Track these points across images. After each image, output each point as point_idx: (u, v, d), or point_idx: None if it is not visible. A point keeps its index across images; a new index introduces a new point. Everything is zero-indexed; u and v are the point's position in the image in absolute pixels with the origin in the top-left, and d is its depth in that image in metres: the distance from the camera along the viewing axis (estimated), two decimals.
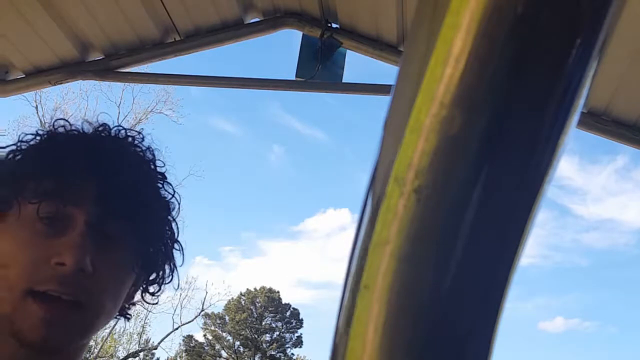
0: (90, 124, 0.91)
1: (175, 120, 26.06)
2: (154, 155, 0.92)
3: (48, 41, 3.20)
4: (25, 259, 0.79)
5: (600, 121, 3.12)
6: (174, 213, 0.93)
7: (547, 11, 0.31)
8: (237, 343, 35.82)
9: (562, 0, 0.31)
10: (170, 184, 0.93)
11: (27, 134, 0.90)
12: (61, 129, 0.89)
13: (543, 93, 0.32)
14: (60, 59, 3.34)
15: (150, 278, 0.92)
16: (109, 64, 3.41)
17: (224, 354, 35.89)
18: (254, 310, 36.22)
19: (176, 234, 0.94)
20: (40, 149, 0.88)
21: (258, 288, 36.77)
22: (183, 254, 0.95)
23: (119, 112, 24.68)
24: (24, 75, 3.40)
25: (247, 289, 36.71)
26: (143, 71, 4.04)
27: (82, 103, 30.36)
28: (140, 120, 24.08)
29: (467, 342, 0.34)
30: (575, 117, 0.33)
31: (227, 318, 35.89)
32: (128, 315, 0.95)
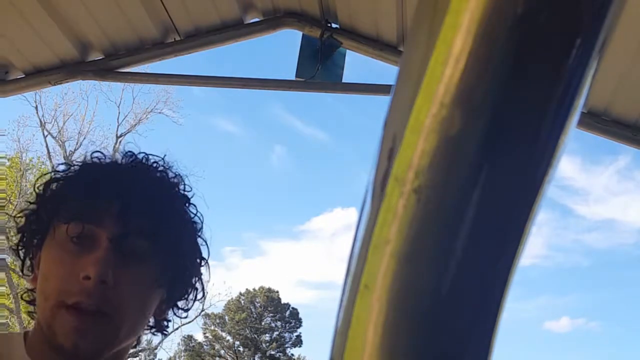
0: (119, 154, 1.01)
1: (175, 120, 26.08)
2: (179, 178, 1.02)
3: (48, 41, 3.20)
4: (58, 274, 0.90)
5: (600, 121, 3.11)
6: (199, 233, 1.02)
7: (547, 11, 0.31)
8: (237, 343, 35.82)
9: (562, 0, 0.31)
10: (195, 206, 1.02)
11: (59, 164, 1.03)
12: (89, 159, 1.00)
13: (543, 93, 0.32)
14: (60, 59, 3.34)
15: (180, 295, 1.01)
16: (109, 64, 3.41)
17: (223, 353, 35.88)
18: (253, 310, 36.22)
19: (203, 253, 1.02)
20: (69, 177, 0.99)
21: (257, 288, 36.77)
22: (209, 272, 1.04)
23: (119, 112, 24.70)
24: (23, 75, 3.39)
25: (247, 289, 36.72)
26: (143, 71, 4.03)
27: (82, 103, 30.42)
28: (140, 120, 24.07)
29: (467, 343, 0.34)
30: (575, 117, 0.33)
31: (226, 318, 35.89)
32: (165, 331, 1.04)
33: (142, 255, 0.92)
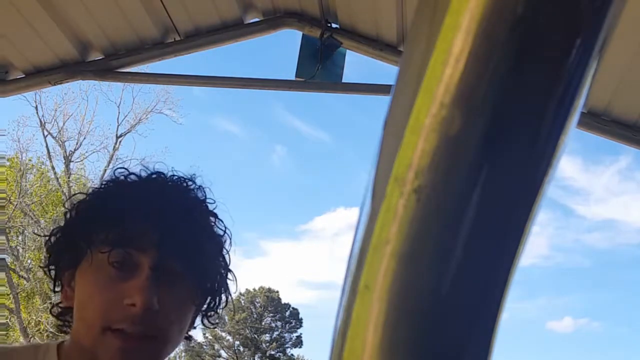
0: (147, 170, 1.03)
1: (175, 120, 26.08)
2: (205, 194, 1.04)
3: (48, 41, 3.20)
4: (100, 300, 0.92)
5: (600, 121, 3.12)
6: (226, 247, 1.05)
7: (547, 11, 0.31)
8: (237, 343, 35.82)
9: (562, 0, 0.31)
10: (222, 220, 1.05)
11: (92, 188, 1.05)
12: (121, 178, 1.02)
13: (543, 93, 0.32)
14: (60, 59, 3.34)
15: (209, 306, 1.05)
16: (109, 64, 3.41)
17: (223, 353, 35.89)
18: (253, 310, 36.22)
19: (229, 265, 1.06)
20: (104, 200, 1.01)
21: (257, 288, 36.78)
22: (236, 283, 1.08)
23: (119, 112, 24.70)
24: (23, 75, 3.39)
25: (247, 289, 36.73)
26: (143, 71, 4.03)
27: (82, 103, 30.42)
28: (140, 120, 24.07)
29: (467, 343, 0.34)
30: (575, 117, 0.33)
31: (226, 318, 35.89)
32: (190, 337, 1.08)
33: (181, 277, 0.95)
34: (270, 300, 36.28)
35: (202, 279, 0.99)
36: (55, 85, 3.45)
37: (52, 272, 1.01)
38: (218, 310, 1.07)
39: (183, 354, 34.50)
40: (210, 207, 1.04)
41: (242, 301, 36.24)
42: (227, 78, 3.74)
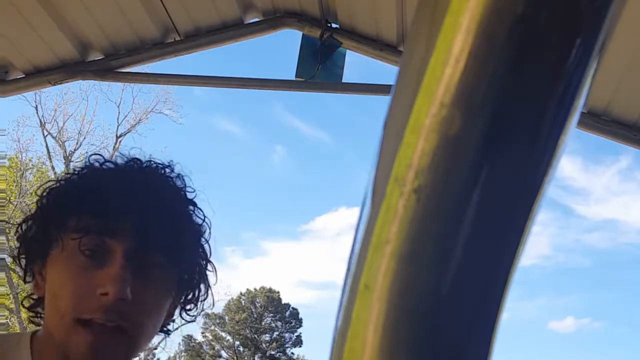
0: (123, 157, 0.99)
1: (175, 120, 26.07)
2: (184, 182, 1.00)
3: (48, 41, 3.20)
4: (72, 290, 0.88)
5: (600, 121, 3.11)
6: (205, 236, 1.01)
7: (547, 11, 0.31)
8: (237, 343, 35.82)
9: (562, 0, 0.31)
10: (201, 209, 1.01)
11: (65, 174, 1.00)
12: (96, 164, 0.97)
13: (543, 93, 0.32)
14: (60, 59, 3.34)
15: (187, 298, 1.01)
16: (109, 64, 3.41)
17: (223, 353, 35.89)
18: (253, 310, 36.23)
19: (209, 256, 1.02)
20: (78, 186, 0.96)
21: (258, 288, 36.78)
22: (216, 274, 1.04)
23: (119, 112, 24.69)
24: (23, 75, 3.39)
25: (247, 289, 36.73)
26: (143, 71, 4.03)
27: (82, 103, 30.41)
28: (140, 120, 24.08)
29: (467, 343, 0.34)
30: (575, 117, 0.33)
31: (226, 318, 35.89)
32: (168, 331, 1.05)
33: (157, 266, 0.91)
34: (271, 301, 36.29)
35: (180, 269, 0.95)
36: (55, 85, 3.45)
37: (23, 262, 0.97)
38: (197, 303, 1.03)
39: (183, 354, 34.50)
40: (190, 195, 1.00)
41: (243, 301, 36.25)
42: (227, 78, 3.74)
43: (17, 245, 0.98)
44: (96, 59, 3.41)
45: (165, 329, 1.03)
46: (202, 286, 1.01)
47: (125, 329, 0.88)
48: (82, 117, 23.30)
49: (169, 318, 1.01)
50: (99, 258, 0.89)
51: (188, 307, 1.03)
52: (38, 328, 0.98)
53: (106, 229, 0.89)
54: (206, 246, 1.01)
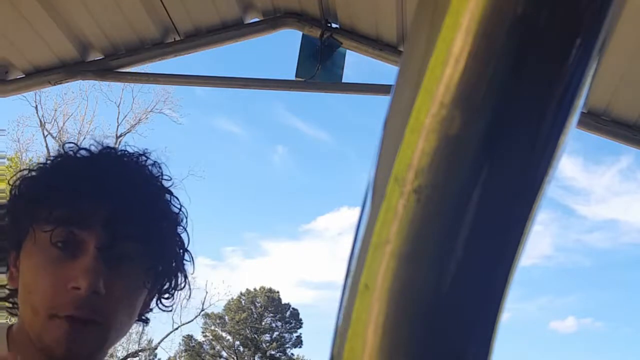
0: (97, 144, 0.96)
1: (175, 119, 26.08)
2: (160, 170, 0.97)
3: (48, 41, 3.20)
4: (44, 284, 0.86)
5: (600, 121, 3.11)
6: (182, 225, 0.98)
7: (547, 11, 0.31)
8: (237, 343, 35.82)
9: (562, 0, 0.31)
10: (177, 198, 0.98)
11: (38, 164, 0.97)
12: (70, 153, 0.94)
13: (543, 93, 0.32)
14: (60, 59, 3.34)
15: (164, 288, 0.99)
16: (109, 64, 3.41)
17: (224, 353, 35.89)
18: (253, 310, 36.23)
19: (186, 245, 0.99)
20: (49, 176, 0.93)
21: (258, 288, 36.78)
22: (193, 263, 1.01)
23: (119, 112, 24.69)
24: (23, 75, 3.39)
25: (247, 289, 36.73)
26: (143, 71, 4.03)
27: (82, 103, 30.41)
28: (140, 120, 24.08)
29: (468, 343, 0.34)
30: (575, 117, 0.33)
31: (226, 318, 35.89)
32: (146, 320, 1.03)
33: (131, 258, 0.89)
34: (271, 301, 36.28)
35: (155, 260, 0.93)
36: (55, 85, 3.45)
37: None
38: (174, 293, 1.01)
39: (184, 354, 34.49)
40: (166, 184, 0.97)
41: (243, 301, 36.25)
42: (227, 78, 3.74)
43: None
44: (96, 59, 3.41)
45: (143, 317, 1.01)
46: (179, 276, 0.99)
47: (99, 322, 0.87)
48: (82, 117, 23.32)
49: (146, 308, 1.00)
50: (71, 249, 0.87)
51: (164, 297, 1.01)
52: (12, 322, 0.97)
53: (77, 219, 0.86)
54: (183, 235, 0.99)
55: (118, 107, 25.15)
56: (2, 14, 2.95)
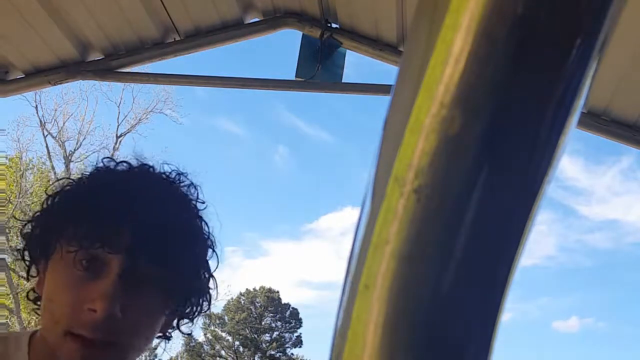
0: (134, 160, 0.96)
1: (175, 119, 26.07)
2: (195, 193, 0.97)
3: (48, 41, 3.20)
4: (64, 301, 0.87)
5: (600, 121, 3.11)
6: (209, 252, 0.98)
7: (547, 11, 0.31)
8: (237, 343, 35.81)
9: (562, 0, 0.31)
10: (207, 222, 0.98)
11: (70, 179, 0.97)
12: (105, 170, 0.95)
13: (543, 93, 0.32)
14: (60, 59, 3.34)
15: (185, 312, 0.99)
16: (109, 64, 3.41)
17: (223, 353, 35.88)
18: (253, 310, 36.22)
19: (211, 271, 0.99)
20: (79, 193, 0.94)
21: (258, 288, 36.76)
22: (217, 289, 1.02)
23: (119, 112, 24.69)
24: (23, 75, 3.39)
25: (247, 289, 36.72)
26: (143, 71, 4.03)
27: (82, 103, 30.41)
28: (140, 120, 24.07)
29: (467, 342, 0.34)
30: (575, 117, 0.33)
31: (226, 318, 35.87)
32: (169, 337, 1.03)
33: (151, 283, 0.89)
34: (271, 300, 36.27)
35: (178, 288, 0.93)
36: (55, 85, 3.45)
37: (27, 258, 0.96)
38: (193, 318, 1.01)
39: (184, 354, 34.49)
40: (200, 207, 0.97)
41: (242, 301, 36.24)
42: (227, 78, 3.74)
43: (23, 242, 0.97)
44: (96, 59, 3.41)
45: (166, 337, 1.01)
46: (202, 302, 0.99)
47: (115, 344, 0.87)
48: (82, 117, 23.32)
49: (167, 327, 1.00)
50: (93, 270, 0.87)
51: (184, 320, 1.01)
52: (37, 328, 0.98)
53: (102, 242, 0.86)
54: (211, 262, 0.98)
55: (118, 107, 25.17)
56: (2, 14, 2.95)
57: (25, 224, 0.97)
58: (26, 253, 0.97)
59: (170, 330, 1.01)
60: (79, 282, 0.87)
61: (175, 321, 1.00)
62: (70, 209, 0.91)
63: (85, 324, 0.85)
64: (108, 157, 0.97)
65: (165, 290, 0.91)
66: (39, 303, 0.97)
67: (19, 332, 0.99)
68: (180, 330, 1.02)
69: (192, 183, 0.98)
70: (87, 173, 0.97)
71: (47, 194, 0.97)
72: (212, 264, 0.99)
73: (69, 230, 0.88)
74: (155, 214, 0.89)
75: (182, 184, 0.97)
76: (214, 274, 1.00)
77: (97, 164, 0.97)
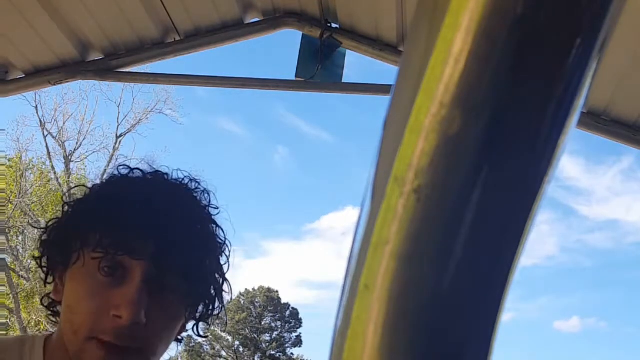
0: (150, 168, 0.97)
1: (175, 119, 26.08)
2: (209, 198, 0.99)
3: (48, 41, 3.20)
4: (88, 307, 0.88)
5: (600, 121, 3.11)
6: (224, 257, 1.00)
7: (547, 11, 0.31)
8: (237, 343, 35.81)
9: (562, 0, 0.31)
10: (222, 228, 1.00)
11: (93, 185, 0.99)
12: (123, 177, 0.96)
13: (543, 93, 0.32)
14: (60, 59, 3.34)
15: (201, 316, 1.02)
16: (109, 64, 3.41)
17: (223, 353, 35.88)
18: (253, 310, 36.22)
19: (226, 273, 1.01)
20: (102, 200, 0.95)
21: (257, 288, 36.77)
22: (231, 292, 1.04)
23: (119, 112, 24.68)
24: (24, 75, 3.39)
25: (246, 289, 36.73)
26: (143, 71, 4.03)
27: (82, 103, 30.41)
28: (140, 120, 24.07)
29: (468, 343, 0.34)
30: (575, 117, 0.33)
31: (226, 318, 35.85)
32: (182, 340, 1.05)
33: (174, 289, 0.91)
34: (270, 300, 36.28)
35: (197, 292, 0.95)
36: (55, 85, 3.45)
37: (45, 265, 0.97)
38: (208, 320, 1.03)
39: (185, 354, 34.50)
40: (213, 213, 0.99)
41: (242, 301, 36.24)
42: (227, 78, 3.74)
43: (40, 247, 0.98)
44: (96, 59, 3.41)
45: (179, 340, 1.04)
46: (217, 305, 1.02)
47: (139, 349, 0.89)
48: (82, 117, 23.31)
49: (182, 331, 1.02)
50: (117, 277, 0.88)
51: (199, 324, 1.03)
52: (52, 332, 0.99)
53: (127, 249, 0.88)
54: (225, 266, 1.01)
55: (118, 107, 25.10)
56: (2, 14, 2.95)
57: (45, 229, 0.97)
58: (44, 260, 0.98)
59: (184, 332, 1.03)
60: (102, 289, 0.88)
61: (191, 325, 1.03)
62: (94, 217, 0.92)
63: (110, 330, 0.86)
64: (124, 165, 0.98)
65: (185, 296, 0.93)
66: (53, 309, 0.98)
67: (35, 335, 1.00)
68: (199, 334, 1.04)
69: (205, 189, 1.00)
70: (104, 181, 0.99)
71: (64, 201, 0.98)
72: (224, 267, 1.02)
73: (93, 236, 0.89)
74: (177, 221, 0.91)
75: (196, 190, 0.99)
76: (228, 279, 1.02)
77: (113, 171, 0.98)
